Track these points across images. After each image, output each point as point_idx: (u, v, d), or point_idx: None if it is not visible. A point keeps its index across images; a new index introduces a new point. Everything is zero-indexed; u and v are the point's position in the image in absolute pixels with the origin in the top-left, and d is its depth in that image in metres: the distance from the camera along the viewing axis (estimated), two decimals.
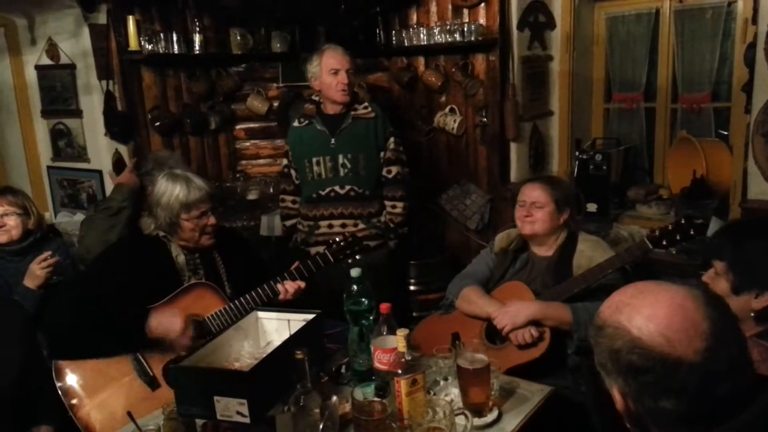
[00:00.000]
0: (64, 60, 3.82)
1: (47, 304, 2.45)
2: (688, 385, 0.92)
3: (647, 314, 0.96)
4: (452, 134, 3.79)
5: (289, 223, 3.23)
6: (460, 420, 1.63)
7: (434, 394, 1.81)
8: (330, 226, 3.02)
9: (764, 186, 2.88)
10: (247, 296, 2.21)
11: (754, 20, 2.92)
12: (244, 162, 4.16)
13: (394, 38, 3.81)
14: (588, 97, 4.03)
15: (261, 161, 4.17)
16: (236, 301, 2.20)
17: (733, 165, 3.21)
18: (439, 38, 3.64)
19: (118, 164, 3.71)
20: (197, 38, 3.66)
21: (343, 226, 3.01)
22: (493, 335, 2.25)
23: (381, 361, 1.82)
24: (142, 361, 2.07)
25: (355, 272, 1.95)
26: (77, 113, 3.90)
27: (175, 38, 3.57)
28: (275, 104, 4.03)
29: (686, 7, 3.59)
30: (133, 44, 3.46)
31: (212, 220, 2.24)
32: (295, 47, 3.86)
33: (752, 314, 1.51)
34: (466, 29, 3.54)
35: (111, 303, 2.07)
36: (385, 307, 1.85)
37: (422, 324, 2.54)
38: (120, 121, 3.62)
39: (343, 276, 2.01)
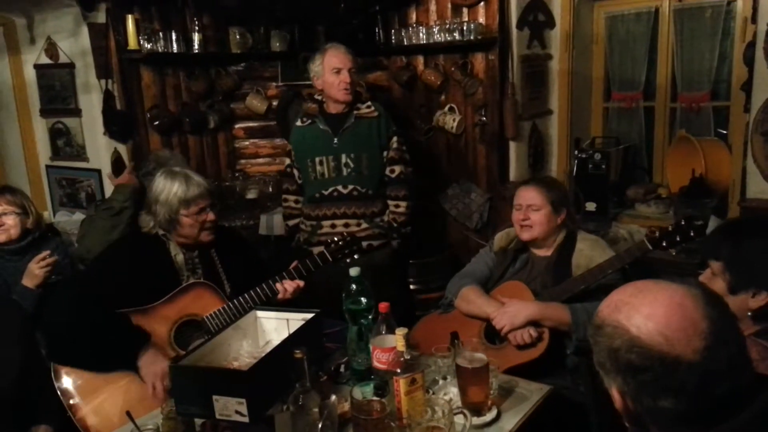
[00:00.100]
0: (63, 59, 3.82)
1: (46, 303, 2.45)
2: (687, 384, 0.92)
3: (646, 313, 0.96)
4: (451, 133, 3.78)
5: (291, 223, 3.22)
6: (459, 419, 1.63)
7: (433, 393, 1.81)
8: (333, 226, 3.01)
9: (763, 185, 2.88)
10: (246, 295, 2.21)
11: (754, 19, 2.92)
12: (243, 161, 4.16)
13: (393, 37, 3.81)
14: (587, 96, 4.03)
15: (260, 160, 4.17)
16: (235, 301, 2.20)
17: (732, 164, 3.22)
18: (439, 37, 3.64)
19: (117, 163, 3.71)
20: (196, 37, 3.66)
21: (346, 225, 2.99)
22: (493, 335, 2.24)
23: (380, 360, 1.82)
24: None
25: (354, 271, 1.95)
26: (76, 112, 3.89)
27: (174, 37, 3.57)
28: (274, 103, 4.03)
29: (686, 6, 3.59)
30: (132, 43, 3.46)
31: (211, 216, 2.24)
32: (295, 46, 3.86)
33: (749, 313, 1.51)
34: (465, 28, 3.54)
35: (110, 302, 2.07)
36: (383, 306, 1.85)
37: (421, 323, 2.53)
38: (119, 120, 3.62)
39: (342, 275, 2.01)
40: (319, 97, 3.10)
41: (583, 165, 3.61)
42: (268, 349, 1.85)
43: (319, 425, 1.54)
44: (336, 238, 2.46)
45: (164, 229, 2.25)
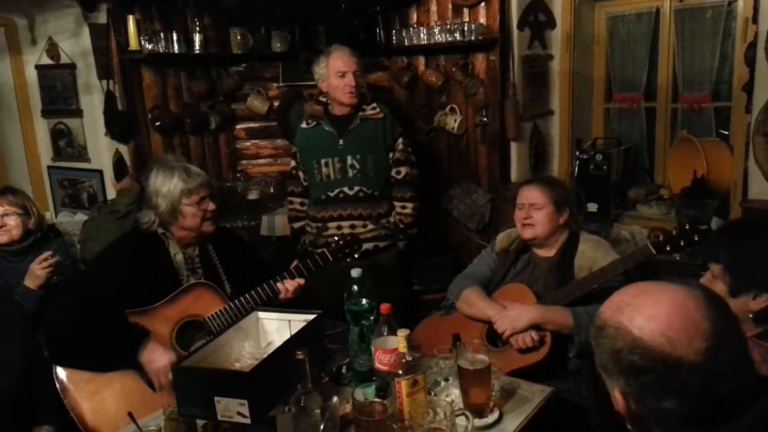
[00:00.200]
0: (64, 60, 3.82)
1: (47, 304, 2.45)
2: (690, 385, 0.92)
3: (648, 314, 0.96)
4: (453, 134, 3.78)
5: (296, 225, 3.20)
6: (460, 421, 1.63)
7: (435, 395, 1.81)
8: (339, 228, 3.00)
9: (765, 186, 2.88)
10: (247, 296, 2.21)
11: (755, 19, 2.92)
12: (244, 162, 4.16)
13: (394, 38, 3.81)
14: (588, 96, 4.03)
15: (261, 161, 4.17)
16: (236, 301, 2.20)
17: (734, 165, 3.21)
18: (440, 38, 3.63)
19: (119, 164, 3.71)
20: (197, 38, 3.66)
21: (353, 227, 2.98)
22: (494, 337, 2.24)
23: (382, 361, 1.82)
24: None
25: (355, 272, 1.95)
26: (77, 113, 3.90)
27: (175, 38, 3.57)
28: (275, 104, 4.03)
29: (686, 6, 3.59)
30: (133, 44, 3.46)
31: (212, 206, 2.25)
32: (296, 47, 3.86)
33: (751, 315, 1.50)
34: (466, 29, 3.54)
35: (110, 302, 2.06)
36: (385, 307, 1.85)
37: (423, 324, 2.53)
38: (120, 121, 3.62)
39: (343, 276, 2.00)
40: (324, 99, 3.09)
41: (584, 166, 3.61)
42: (270, 350, 1.85)
43: (321, 427, 1.54)
44: (336, 238, 2.46)
45: (165, 222, 2.24)
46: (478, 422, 1.68)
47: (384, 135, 3.01)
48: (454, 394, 1.81)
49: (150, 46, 3.51)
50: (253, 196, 3.92)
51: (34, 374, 1.99)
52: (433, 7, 3.76)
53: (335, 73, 2.91)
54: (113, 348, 2.03)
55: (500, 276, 2.44)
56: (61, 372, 2.03)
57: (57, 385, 2.00)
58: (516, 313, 2.15)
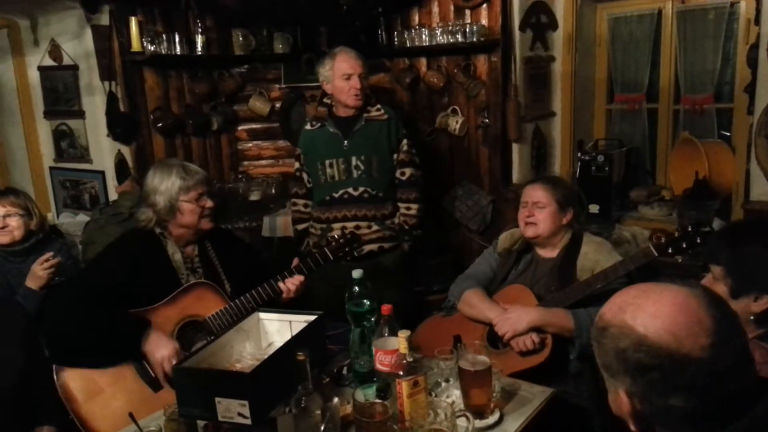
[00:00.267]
0: (66, 61, 3.83)
1: (47, 304, 2.46)
2: (696, 381, 0.92)
3: (652, 312, 0.96)
4: (454, 135, 3.78)
5: (300, 227, 3.19)
6: (461, 422, 1.63)
7: (436, 396, 1.80)
8: (344, 229, 2.99)
9: (767, 187, 2.88)
10: (248, 295, 2.21)
11: (757, 21, 2.92)
12: (246, 163, 4.16)
13: (396, 39, 3.81)
14: (590, 98, 4.03)
15: (263, 162, 4.17)
16: (237, 301, 2.19)
17: (736, 166, 3.21)
18: (441, 39, 3.64)
19: (121, 165, 3.72)
20: (199, 39, 3.67)
21: (357, 228, 2.96)
22: (495, 339, 2.23)
23: (382, 362, 1.82)
24: (144, 362, 2.06)
25: (356, 273, 1.94)
26: (80, 114, 3.91)
27: (177, 39, 3.58)
28: (277, 105, 4.04)
29: (689, 7, 3.58)
30: (135, 45, 3.47)
31: (210, 203, 2.25)
32: (297, 48, 3.86)
33: (752, 317, 1.50)
34: (468, 30, 3.54)
35: (109, 302, 2.06)
36: (386, 308, 1.85)
37: (424, 325, 2.52)
38: (122, 122, 3.63)
39: (345, 277, 2.00)
40: (328, 101, 3.09)
41: (586, 167, 3.61)
42: (271, 351, 1.85)
43: (322, 427, 1.54)
44: (336, 236, 2.45)
45: (163, 220, 2.24)
46: (479, 423, 1.68)
47: (388, 136, 3.01)
48: (455, 395, 1.81)
49: (152, 48, 3.52)
50: (254, 197, 3.92)
51: (35, 375, 1.99)
52: (435, 9, 3.77)
53: (340, 75, 2.91)
54: (115, 340, 2.03)
55: (502, 276, 2.44)
56: (61, 375, 2.02)
57: (58, 389, 2.00)
58: (516, 316, 2.14)
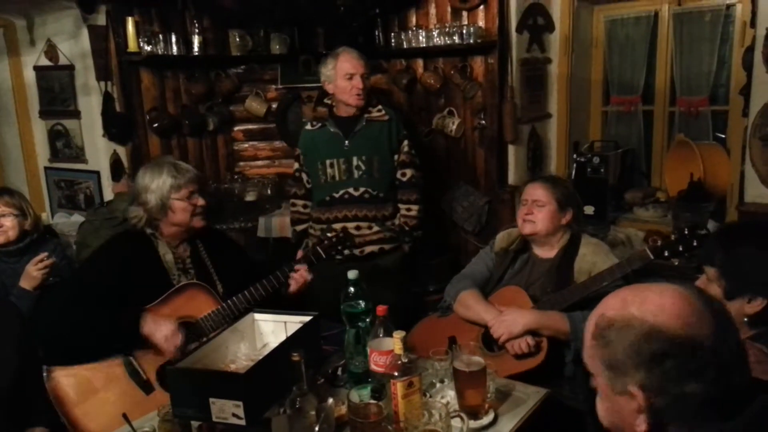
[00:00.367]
0: (62, 61, 3.82)
1: (39, 305, 2.45)
2: (709, 366, 0.94)
3: (657, 303, 0.98)
4: (451, 136, 3.79)
5: (299, 228, 3.17)
6: (456, 422, 1.63)
7: (430, 397, 1.81)
8: (345, 229, 2.98)
9: (761, 189, 2.89)
10: (240, 296, 2.19)
11: (753, 24, 2.93)
12: (242, 163, 4.16)
13: (393, 40, 3.81)
14: (586, 99, 4.04)
15: (259, 163, 4.17)
16: (229, 301, 2.18)
17: (731, 168, 3.22)
18: (438, 40, 3.64)
19: (116, 165, 3.71)
20: (196, 40, 3.66)
21: (358, 228, 2.96)
22: (491, 340, 2.22)
23: (377, 363, 1.82)
24: (135, 364, 2.05)
25: (352, 274, 1.94)
26: (75, 114, 3.90)
27: (173, 39, 3.57)
28: (274, 106, 4.03)
29: (685, 10, 3.60)
30: (132, 45, 3.47)
31: (201, 201, 2.25)
32: (294, 49, 3.86)
33: (746, 319, 1.52)
34: (464, 31, 3.55)
35: (101, 303, 2.06)
36: (381, 309, 1.85)
37: (419, 326, 2.52)
38: (118, 122, 3.62)
39: (341, 278, 2.00)
40: (329, 101, 3.09)
41: (581, 169, 3.62)
42: (266, 351, 1.85)
43: (316, 428, 1.54)
44: (329, 235, 2.45)
45: (154, 219, 2.23)
46: (473, 424, 1.68)
47: (389, 137, 3.00)
48: (450, 395, 1.81)
49: (149, 48, 3.51)
50: (250, 197, 3.92)
51: (29, 375, 1.98)
52: (432, 10, 3.77)
53: (343, 75, 2.90)
54: (112, 332, 2.03)
55: (498, 276, 2.43)
56: (52, 377, 1.99)
57: (49, 391, 1.96)
58: (512, 318, 2.14)
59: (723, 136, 3.55)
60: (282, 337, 1.92)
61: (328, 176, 3.00)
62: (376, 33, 3.82)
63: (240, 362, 1.85)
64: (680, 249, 2.10)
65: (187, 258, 2.29)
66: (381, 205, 3.02)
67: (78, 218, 3.76)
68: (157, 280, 2.18)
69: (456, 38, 3.57)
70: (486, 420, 1.71)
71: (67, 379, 2.00)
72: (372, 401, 1.64)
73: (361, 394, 1.68)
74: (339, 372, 1.99)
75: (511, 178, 3.71)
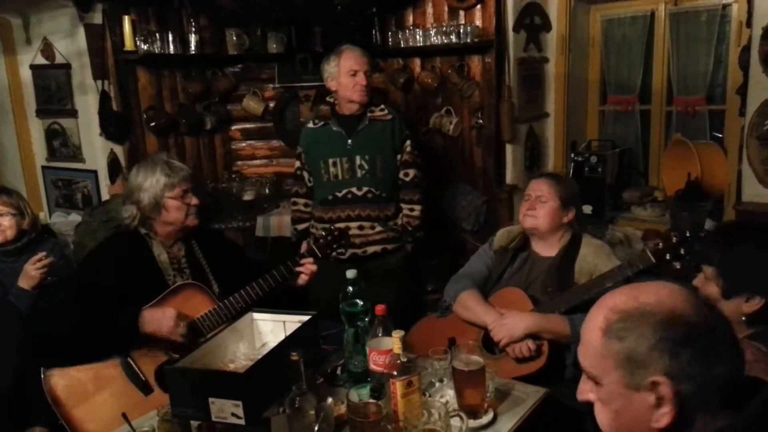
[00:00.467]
0: (59, 60, 3.82)
1: (36, 306, 2.44)
2: (726, 348, 0.96)
3: (666, 293, 1.00)
4: (448, 135, 3.79)
5: (301, 227, 3.14)
6: (455, 422, 1.63)
7: (429, 396, 1.81)
8: (347, 229, 2.98)
9: (758, 188, 2.90)
10: (237, 296, 2.18)
11: (749, 23, 2.94)
12: (239, 162, 4.15)
13: (390, 39, 3.81)
14: (583, 99, 4.05)
15: (257, 162, 4.16)
16: (226, 301, 2.17)
17: (728, 167, 3.23)
18: (435, 39, 3.64)
19: (113, 164, 3.70)
20: (193, 38, 3.65)
21: (361, 228, 2.95)
22: (491, 342, 2.21)
23: (376, 362, 1.82)
24: (133, 365, 2.04)
25: (350, 274, 1.94)
26: (72, 113, 3.89)
27: (170, 38, 3.56)
28: (271, 105, 4.03)
29: (681, 10, 3.61)
30: (128, 44, 3.46)
31: (195, 200, 2.23)
32: (292, 48, 3.85)
33: (743, 318, 1.52)
34: (462, 31, 3.55)
35: (97, 304, 2.05)
36: (380, 308, 1.85)
37: (418, 326, 2.50)
38: (115, 121, 3.61)
39: (340, 277, 2.00)
40: (331, 99, 3.07)
41: (579, 168, 3.63)
42: (265, 351, 1.85)
43: (316, 428, 1.54)
44: (324, 233, 2.44)
45: (148, 218, 2.21)
46: (473, 423, 1.68)
47: (392, 136, 2.99)
48: (449, 395, 1.81)
49: (145, 47, 3.50)
50: (248, 197, 3.91)
51: (28, 375, 1.98)
52: (429, 9, 3.77)
53: (347, 71, 2.89)
54: (111, 333, 2.02)
55: (497, 275, 2.41)
56: (49, 378, 1.97)
57: (47, 393, 1.95)
58: (513, 322, 2.12)
59: (720, 135, 3.56)
60: (281, 337, 1.92)
61: (330, 175, 2.98)
62: (373, 32, 3.82)
63: (239, 362, 1.85)
64: (682, 252, 2.08)
65: (182, 258, 2.28)
66: (384, 205, 3.01)
67: (76, 217, 3.76)
68: (152, 280, 2.16)
69: (453, 37, 3.57)
70: (485, 419, 1.71)
71: (64, 381, 1.99)
72: (371, 400, 1.64)
73: (361, 394, 1.68)
74: (338, 371, 1.98)
75: (509, 178, 3.72)
